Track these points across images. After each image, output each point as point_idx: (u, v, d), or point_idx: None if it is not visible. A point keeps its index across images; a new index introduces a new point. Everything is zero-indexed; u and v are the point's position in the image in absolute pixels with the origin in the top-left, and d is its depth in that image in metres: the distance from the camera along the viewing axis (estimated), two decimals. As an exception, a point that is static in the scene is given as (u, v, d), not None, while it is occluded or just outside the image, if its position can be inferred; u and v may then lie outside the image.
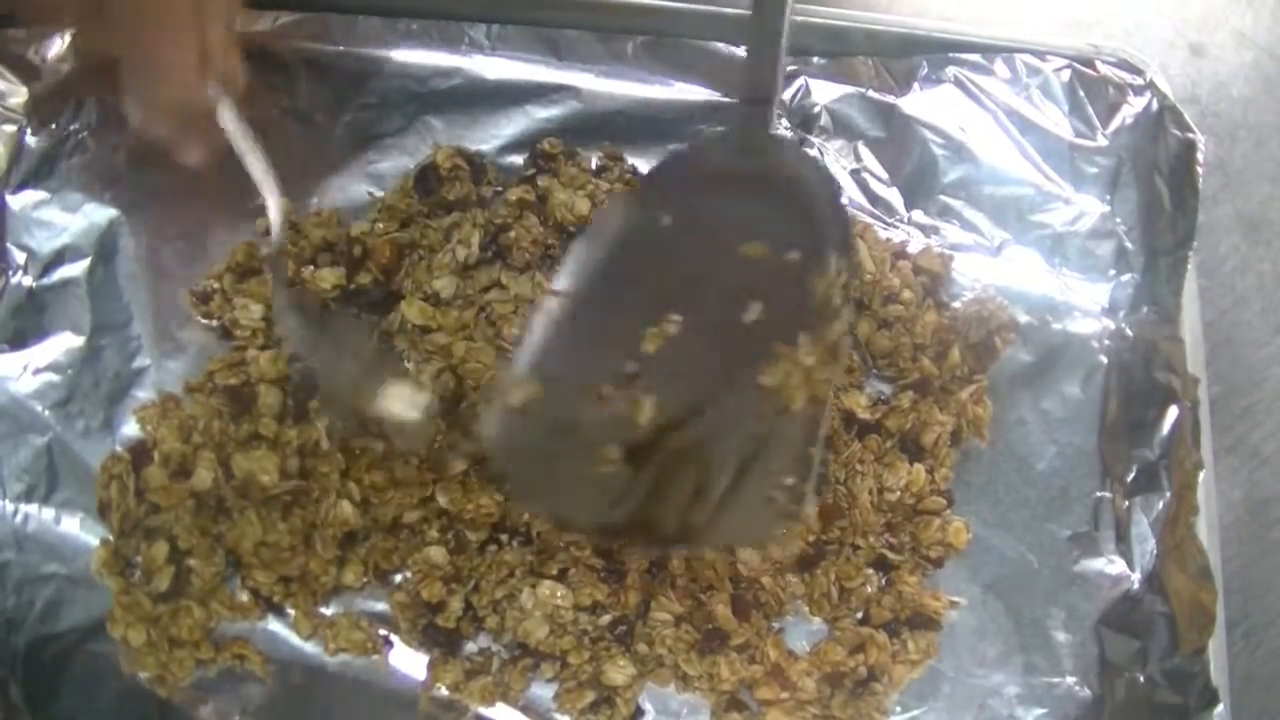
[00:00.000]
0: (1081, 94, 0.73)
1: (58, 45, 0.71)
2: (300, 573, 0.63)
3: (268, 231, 0.69)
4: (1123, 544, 0.64)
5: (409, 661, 0.63)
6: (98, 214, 0.69)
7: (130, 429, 0.66)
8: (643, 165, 0.72)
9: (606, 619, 0.63)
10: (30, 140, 0.70)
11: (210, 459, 0.63)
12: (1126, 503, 0.65)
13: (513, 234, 0.68)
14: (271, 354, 0.65)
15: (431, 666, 0.63)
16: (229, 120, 0.61)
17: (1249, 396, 0.71)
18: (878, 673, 0.62)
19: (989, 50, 0.74)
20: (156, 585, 0.62)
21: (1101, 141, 0.73)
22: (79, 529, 0.64)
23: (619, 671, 0.62)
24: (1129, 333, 0.69)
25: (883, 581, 0.64)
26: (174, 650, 0.62)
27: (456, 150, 0.71)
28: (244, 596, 0.63)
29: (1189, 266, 0.69)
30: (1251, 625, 0.62)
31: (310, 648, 0.63)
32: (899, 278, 0.69)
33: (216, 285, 0.68)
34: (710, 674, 0.62)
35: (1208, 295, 0.70)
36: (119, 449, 0.65)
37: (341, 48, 0.73)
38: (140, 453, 0.64)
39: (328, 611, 0.64)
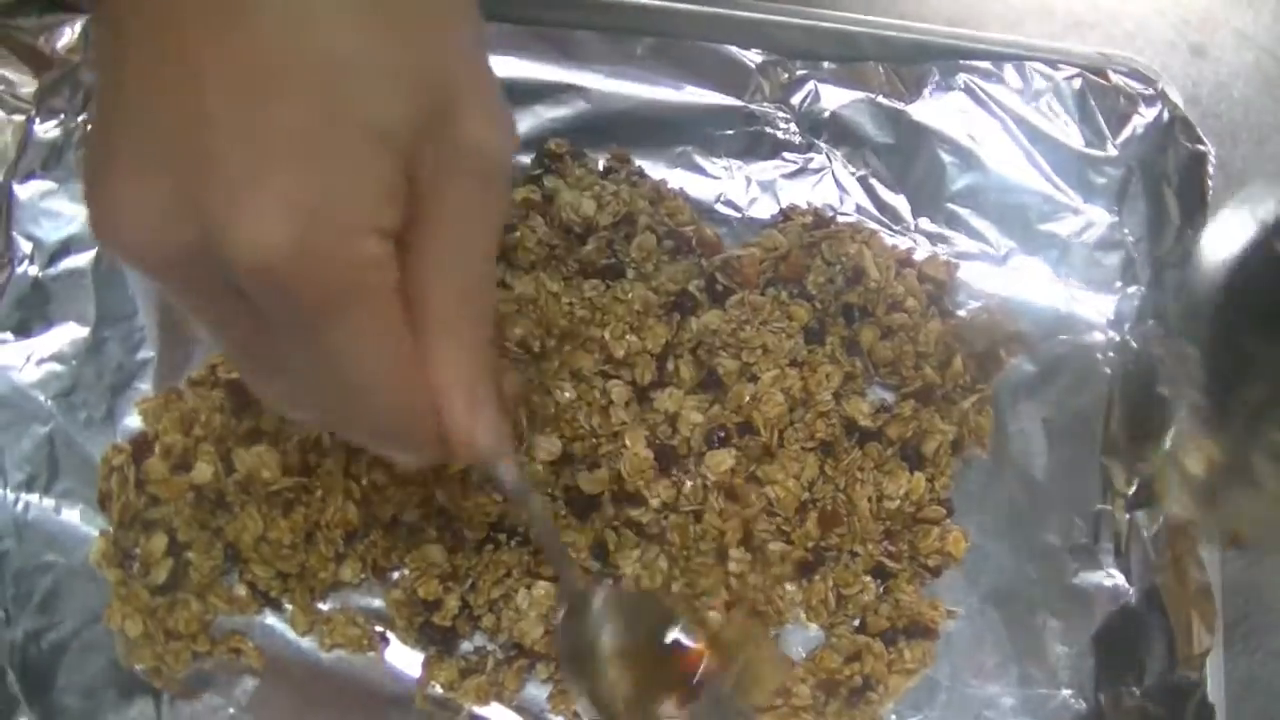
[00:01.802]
0: (1092, 103, 0.73)
1: (67, 35, 0.71)
2: (299, 569, 0.63)
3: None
4: (1122, 558, 0.64)
5: (405, 659, 0.63)
6: (105, 205, 0.69)
7: (132, 421, 0.66)
8: (650, 167, 0.72)
9: None
10: (38, 130, 0.70)
11: (211, 453, 0.63)
12: (1127, 516, 0.64)
13: (518, 234, 0.68)
14: None
15: (427, 664, 0.63)
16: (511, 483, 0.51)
17: (1248, 399, 0.71)
18: (874, 681, 0.62)
19: (999, 58, 0.74)
20: (154, 578, 0.62)
21: (1111, 151, 0.72)
22: (79, 520, 0.64)
23: (615, 673, 0.62)
24: (1133, 345, 0.69)
25: (880, 589, 0.64)
26: (170, 642, 0.62)
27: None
28: (241, 590, 0.63)
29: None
30: (1251, 627, 0.62)
31: (306, 644, 0.63)
32: (904, 285, 0.68)
33: (221, 277, 0.68)
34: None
35: (1206, 298, 0.69)
36: (120, 440, 0.65)
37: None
38: (142, 445, 0.64)
39: (324, 607, 0.64)
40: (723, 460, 0.64)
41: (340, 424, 0.47)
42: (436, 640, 0.63)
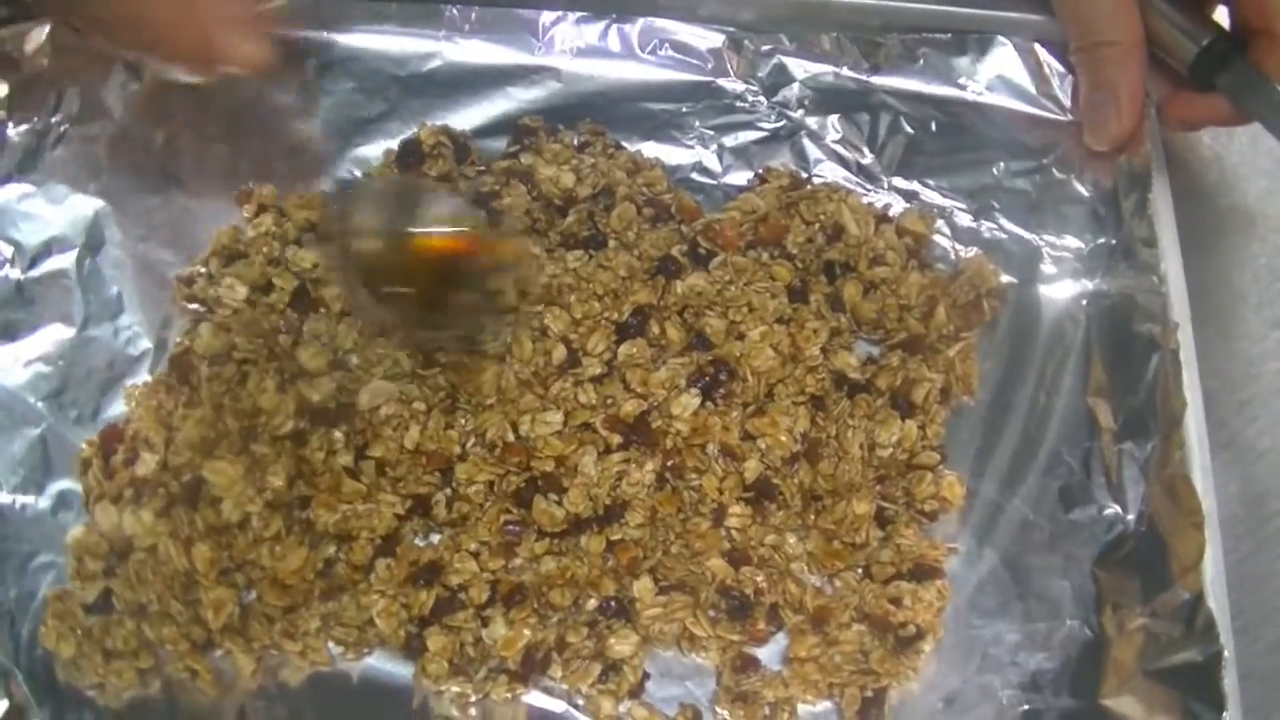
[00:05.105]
0: (1048, 70, 0.76)
1: (34, 39, 0.71)
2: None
3: (256, 214, 0.69)
4: (1114, 488, 0.65)
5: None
6: (83, 205, 0.69)
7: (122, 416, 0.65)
8: (624, 142, 0.73)
9: (592, 603, 0.62)
10: (12, 134, 0.70)
11: (159, 444, 0.62)
12: (1117, 448, 0.65)
13: (506, 201, 0.69)
14: (211, 326, 0.65)
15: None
16: None
17: (1244, 391, 0.71)
18: (924, 629, 0.61)
19: (960, 28, 0.76)
20: (85, 595, 0.60)
21: (1068, 116, 0.75)
22: (74, 519, 0.63)
23: (623, 642, 0.61)
24: (1107, 288, 0.70)
25: (881, 536, 0.65)
26: (111, 661, 0.59)
27: (441, 128, 0.71)
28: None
29: (1170, 236, 0.69)
30: (1248, 620, 0.62)
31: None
32: (883, 240, 0.70)
33: (203, 270, 0.68)
34: (719, 635, 0.62)
35: (1203, 290, 0.70)
36: (93, 436, 0.64)
37: (322, 32, 0.74)
38: (110, 438, 0.64)
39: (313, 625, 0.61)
40: (689, 404, 0.65)
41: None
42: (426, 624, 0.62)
